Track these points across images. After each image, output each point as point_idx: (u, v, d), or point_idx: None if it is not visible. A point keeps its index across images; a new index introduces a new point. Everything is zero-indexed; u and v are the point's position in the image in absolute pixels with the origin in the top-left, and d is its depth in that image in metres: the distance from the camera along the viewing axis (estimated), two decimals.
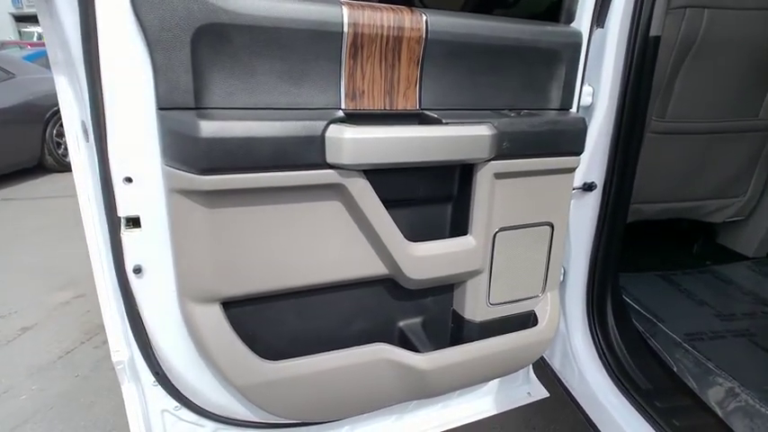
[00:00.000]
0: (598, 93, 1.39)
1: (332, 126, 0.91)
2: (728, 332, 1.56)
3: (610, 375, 1.53)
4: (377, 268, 1.10)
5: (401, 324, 1.26)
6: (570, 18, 1.24)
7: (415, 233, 1.16)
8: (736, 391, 1.33)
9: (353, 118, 1.02)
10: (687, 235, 2.26)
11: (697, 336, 1.54)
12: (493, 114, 1.13)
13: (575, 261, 1.59)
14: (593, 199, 1.51)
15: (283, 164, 0.89)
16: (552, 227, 1.30)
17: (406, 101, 1.06)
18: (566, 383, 1.67)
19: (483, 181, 1.11)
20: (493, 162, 1.10)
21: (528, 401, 1.67)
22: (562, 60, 1.18)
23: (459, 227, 1.19)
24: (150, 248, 0.94)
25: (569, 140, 1.21)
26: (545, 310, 1.40)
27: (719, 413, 1.32)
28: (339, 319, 1.17)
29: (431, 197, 1.16)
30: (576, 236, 1.56)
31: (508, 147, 1.11)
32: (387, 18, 0.97)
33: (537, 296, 1.36)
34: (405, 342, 1.25)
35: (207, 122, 0.81)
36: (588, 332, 1.61)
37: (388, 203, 1.09)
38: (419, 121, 1.09)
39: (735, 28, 1.64)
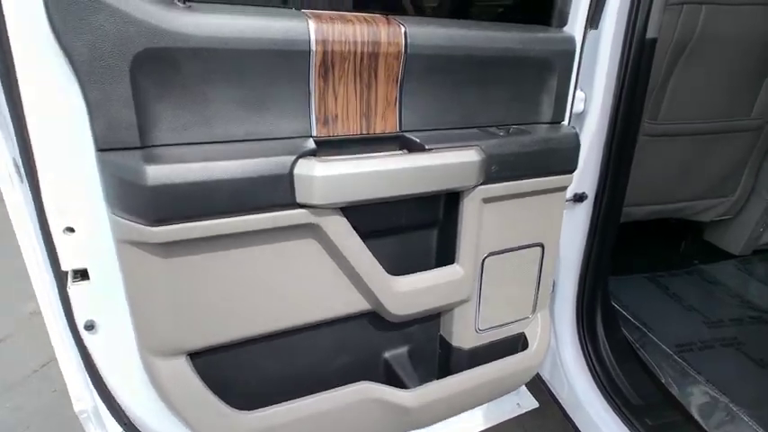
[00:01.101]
0: (591, 98, 1.31)
1: (301, 161, 0.81)
2: (717, 341, 1.53)
3: (600, 389, 1.50)
4: (358, 305, 1.02)
5: (386, 355, 1.19)
6: (563, 21, 1.14)
7: (399, 263, 1.08)
8: (727, 408, 1.30)
9: (327, 146, 0.92)
10: (674, 233, 2.22)
11: (686, 347, 1.51)
12: (480, 134, 1.03)
13: (564, 272, 1.53)
14: (584, 210, 1.45)
15: (247, 207, 0.79)
16: (543, 247, 1.23)
17: (385, 123, 0.96)
18: (555, 393, 1.63)
19: (470, 207, 1.03)
20: (481, 187, 1.01)
21: (518, 413, 1.63)
22: (554, 70, 1.09)
23: (446, 254, 1.11)
24: (103, 302, 0.84)
25: (562, 159, 1.13)
26: (535, 331, 1.34)
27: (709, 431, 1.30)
28: (320, 357, 1.09)
29: (415, 225, 1.07)
30: (565, 247, 1.50)
31: (497, 170, 1.02)
32: (360, 32, 0.86)
33: (527, 318, 1.30)
34: (391, 375, 1.18)
35: (154, 167, 0.70)
36: (578, 343, 1.57)
37: (368, 234, 1.00)
38: (400, 144, 0.99)
39: (732, 24, 1.56)
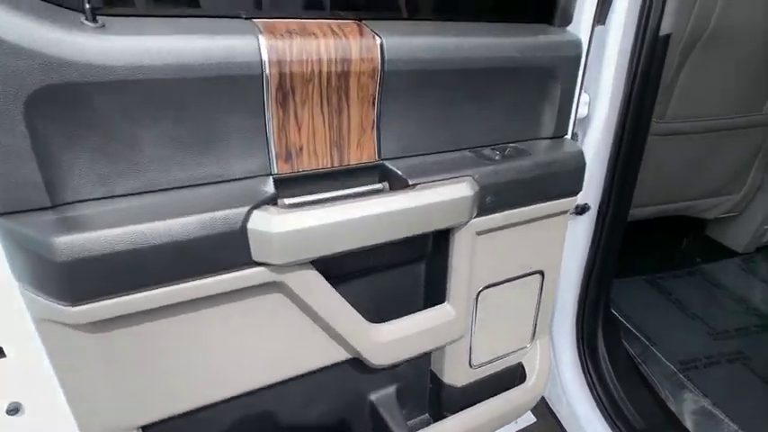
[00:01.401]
0: (596, 102, 1.16)
1: (255, 214, 0.67)
2: (723, 356, 1.45)
3: (600, 409, 1.41)
4: (335, 357, 0.90)
5: (372, 397, 1.08)
6: (567, 20, 0.99)
7: (382, 304, 0.95)
8: None
9: (291, 184, 0.78)
10: (675, 229, 2.12)
11: (691, 364, 1.43)
12: (472, 158, 0.89)
13: (564, 286, 1.42)
14: (587, 222, 1.32)
15: (191, 273, 0.65)
16: (543, 274, 1.12)
17: (362, 152, 0.81)
18: (553, 408, 1.55)
19: (461, 241, 0.90)
20: (474, 220, 0.88)
21: (514, 430, 1.55)
22: (557, 78, 0.95)
23: (435, 292, 0.98)
24: (27, 381, 0.71)
25: (566, 181, 1.00)
26: (534, 360, 1.24)
27: None
28: (296, 409, 0.98)
29: (399, 262, 0.94)
30: (565, 260, 1.38)
31: (493, 201, 0.89)
32: (326, 48, 0.71)
33: (525, 348, 1.20)
34: (377, 420, 1.08)
35: (66, 238, 0.56)
36: (577, 359, 1.47)
37: (344, 278, 0.87)
38: (380, 175, 0.85)
39: (747, 14, 1.41)
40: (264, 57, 0.67)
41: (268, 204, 0.70)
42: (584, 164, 1.00)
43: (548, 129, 1.01)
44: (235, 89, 0.67)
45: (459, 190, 0.81)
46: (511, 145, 0.97)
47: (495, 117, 0.92)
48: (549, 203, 0.98)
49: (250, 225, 0.66)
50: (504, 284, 1.05)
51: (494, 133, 0.94)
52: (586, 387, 1.44)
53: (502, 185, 0.88)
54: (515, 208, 0.93)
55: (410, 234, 0.78)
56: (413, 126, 0.84)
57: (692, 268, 1.92)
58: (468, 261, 0.94)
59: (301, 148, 0.76)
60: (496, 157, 0.90)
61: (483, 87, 0.88)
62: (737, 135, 1.64)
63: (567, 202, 1.02)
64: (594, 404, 1.42)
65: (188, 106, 0.65)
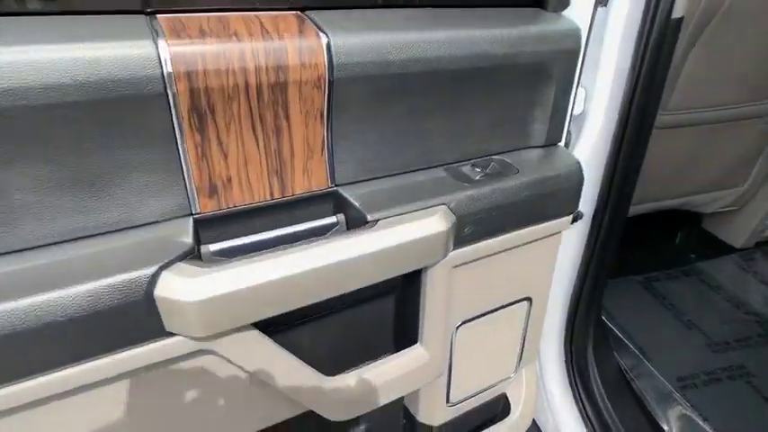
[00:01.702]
0: (592, 97, 1.00)
1: (165, 276, 0.52)
2: (723, 371, 1.35)
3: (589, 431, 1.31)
4: (287, 413, 0.76)
5: None
6: (564, 2, 0.82)
7: (344, 348, 0.81)
8: None
9: (218, 224, 0.62)
10: (669, 223, 2.00)
11: (689, 380, 1.33)
12: (448, 180, 0.74)
13: (553, 301, 1.30)
14: (580, 231, 1.18)
15: (86, 354, 0.50)
16: (531, 300, 0.98)
17: (309, 179, 0.66)
18: (540, 426, 1.45)
19: (435, 276, 0.76)
20: (450, 254, 0.74)
21: None
22: (551, 76, 0.79)
23: (406, 332, 0.84)
24: None
25: (560, 201, 0.85)
26: (519, 390, 1.12)
27: None
28: None
29: (361, 299, 0.80)
30: (555, 272, 1.26)
31: (473, 231, 0.74)
32: (253, 53, 0.54)
33: (509, 378, 1.08)
34: None
35: None
36: (565, 374, 1.37)
37: (296, 323, 0.73)
38: (334, 206, 0.70)
39: None
40: (167, 68, 0.50)
41: (184, 259, 0.54)
42: (582, 179, 0.86)
43: (538, 136, 0.85)
44: (130, 114, 0.50)
45: (431, 224, 0.66)
46: (495, 158, 0.82)
47: (476, 126, 0.77)
48: (539, 226, 0.84)
49: (158, 292, 0.51)
50: (487, 316, 0.92)
51: (474, 145, 0.79)
52: (575, 408, 1.34)
53: (484, 213, 0.73)
54: (499, 235, 0.79)
55: (370, 283, 0.64)
56: (374, 143, 0.68)
57: (686, 267, 1.81)
58: (444, 297, 0.80)
59: (230, 180, 0.60)
60: (477, 177, 0.75)
61: (460, 91, 0.71)
62: (745, 125, 1.50)
63: (561, 223, 0.88)
64: (583, 424, 1.32)
65: (67, 139, 0.48)
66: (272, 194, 0.63)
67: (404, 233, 0.63)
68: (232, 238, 0.63)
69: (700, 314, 1.56)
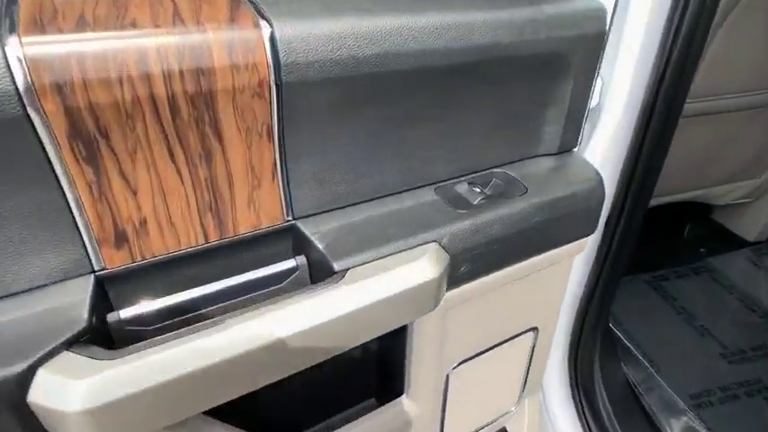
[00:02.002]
0: (609, 88, 0.85)
1: (41, 375, 0.37)
2: (741, 387, 1.24)
3: None
4: None
5: None
6: None
7: (317, 401, 0.68)
8: None
9: (132, 281, 0.47)
10: (678, 214, 1.87)
11: (704, 398, 1.21)
12: (439, 205, 0.58)
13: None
14: (589, 245, 1.05)
15: None
16: (537, 330, 0.85)
17: (257, 213, 0.50)
18: None
19: (425, 322, 0.62)
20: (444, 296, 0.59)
21: None
22: (568, 69, 0.63)
23: (390, 382, 0.71)
24: None
25: (578, 224, 0.70)
26: (521, 422, 1.00)
27: None
28: None
29: None
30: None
31: (471, 270, 0.60)
32: (158, 52, 0.38)
33: (510, 411, 0.95)
34: None
35: None
36: (569, 391, 1.25)
37: None
38: (293, 246, 0.55)
39: None
40: (24, 78, 0.34)
41: (74, 343, 0.39)
42: (603, 194, 0.71)
43: (550, 142, 0.70)
44: None
45: (418, 272, 0.51)
46: (497, 172, 0.67)
47: (474, 134, 0.61)
48: (551, 253, 0.70)
49: (33, 397, 0.37)
50: (486, 353, 0.79)
51: (471, 157, 0.63)
52: (580, 428, 1.23)
53: (484, 247, 0.58)
54: (503, 269, 0.64)
55: (335, 354, 0.49)
56: (342, 162, 0.53)
57: (696, 264, 1.69)
58: (435, 341, 0.66)
59: (144, 223, 0.44)
60: (476, 200, 0.60)
61: (454, 92, 0.56)
62: (764, 113, 1.35)
63: (577, 246, 0.74)
64: None
65: None
66: (206, 237, 0.48)
67: (381, 287, 0.48)
68: (153, 298, 0.48)
69: (712, 318, 1.45)
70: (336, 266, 0.49)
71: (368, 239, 0.52)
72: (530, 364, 0.89)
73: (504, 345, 0.81)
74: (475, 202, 0.59)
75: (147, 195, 0.43)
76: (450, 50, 0.51)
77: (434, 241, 0.54)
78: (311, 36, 0.44)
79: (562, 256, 0.72)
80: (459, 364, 0.75)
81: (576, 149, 0.75)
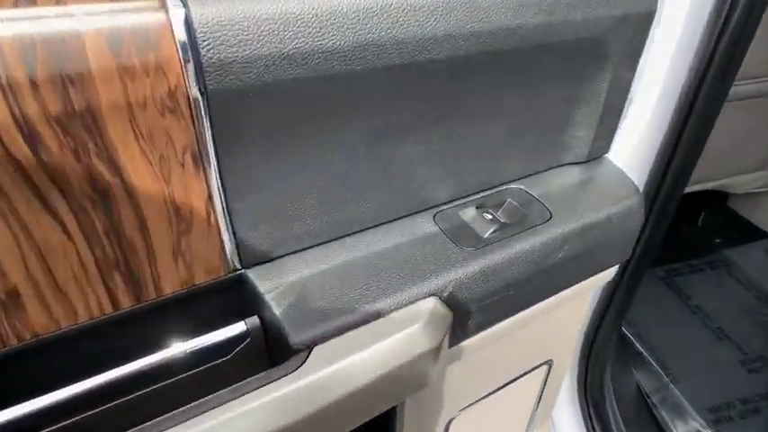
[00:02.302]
0: (641, 78, 0.70)
1: None
2: (763, 399, 1.14)
3: None
4: None
5: None
6: None
7: None
8: None
9: (13, 368, 0.34)
10: (692, 202, 1.74)
11: (723, 412, 1.12)
12: (435, 240, 0.45)
13: None
14: None
15: None
16: (551, 363, 0.73)
17: (189, 265, 0.36)
18: None
19: None
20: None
21: None
22: (607, 57, 0.48)
23: None
24: None
25: (609, 252, 0.57)
26: None
27: None
28: None
29: None
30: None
31: (480, 321, 0.47)
32: None
33: None
34: None
35: None
36: (577, 403, 1.16)
37: None
38: (243, 304, 0.41)
39: None
40: None
41: None
42: (642, 214, 0.58)
43: (579, 148, 0.56)
44: None
45: (409, 344, 0.38)
46: (513, 188, 0.53)
47: (484, 142, 0.47)
48: (576, 286, 0.57)
49: None
50: (493, 395, 0.67)
51: (481, 172, 0.49)
52: None
53: (497, 293, 0.45)
54: (518, 314, 0.52)
55: None
56: (306, 191, 0.39)
57: (712, 257, 1.57)
58: (434, 392, 0.54)
59: (14, 295, 0.31)
60: (487, 232, 0.46)
61: (460, 91, 0.42)
62: None
63: (605, 274, 0.61)
64: None
65: None
66: (114, 304, 0.35)
67: (358, 372, 0.36)
68: (44, 391, 0.35)
69: (730, 320, 1.34)
70: (297, 341, 0.36)
71: (341, 297, 0.39)
72: (540, 397, 0.79)
73: (513, 384, 0.69)
74: (486, 235, 0.46)
75: (12, 258, 0.30)
76: (456, 37, 0.37)
77: (432, 295, 0.41)
78: (249, 20, 0.29)
79: (587, 287, 0.59)
80: (462, 410, 0.63)
81: (608, 155, 0.61)
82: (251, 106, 0.32)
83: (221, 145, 0.33)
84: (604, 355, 1.11)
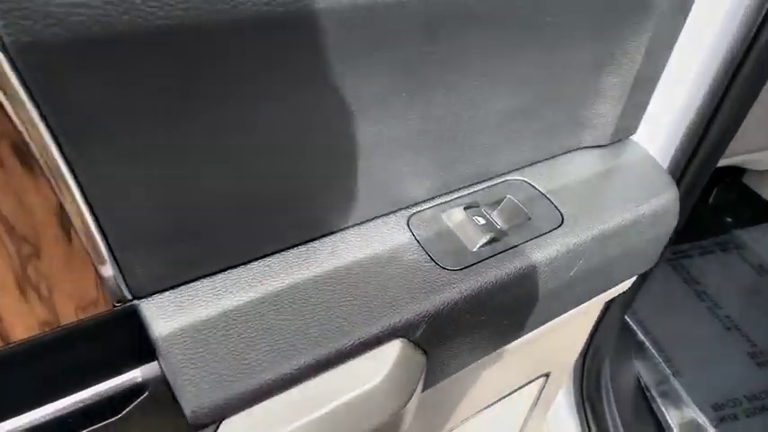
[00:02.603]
0: (679, 42, 0.56)
1: None
2: None
3: None
4: None
5: None
6: None
7: None
8: None
9: None
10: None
11: (729, 409, 1.04)
12: (408, 254, 0.34)
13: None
14: None
15: None
16: (549, 375, 0.64)
17: (50, 300, 0.25)
18: None
19: None
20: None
21: None
22: (650, 9, 0.36)
23: None
24: None
25: (633, 262, 0.46)
26: None
27: None
28: None
29: None
30: None
31: (461, 360, 0.37)
32: None
33: None
34: None
35: None
36: (572, 393, 1.09)
37: None
38: (137, 346, 0.31)
39: None
40: None
41: None
42: (677, 218, 0.46)
43: (601, 128, 0.43)
44: None
45: (361, 412, 0.28)
46: (514, 181, 0.41)
47: (481, 123, 0.35)
48: (588, 303, 0.46)
49: None
50: (483, 412, 0.58)
51: (473, 160, 0.38)
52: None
53: (487, 325, 0.35)
54: (514, 341, 0.41)
55: None
56: (212, 187, 0.28)
57: (723, 238, 1.47)
58: (416, 416, 0.45)
59: None
60: (477, 244, 0.35)
61: (453, 51, 0.29)
62: None
63: (623, 285, 0.50)
64: None
65: None
66: None
67: None
68: None
69: (740, 308, 1.26)
70: (198, 411, 0.25)
71: (267, 343, 0.28)
72: (534, 410, 0.70)
73: (506, 399, 0.60)
74: (476, 248, 0.35)
75: None
76: None
77: (399, 335, 0.30)
78: None
79: (600, 300, 0.49)
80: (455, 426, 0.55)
81: (634, 137, 0.49)
82: (101, 69, 0.20)
83: (67, 132, 0.21)
84: (604, 351, 1.03)
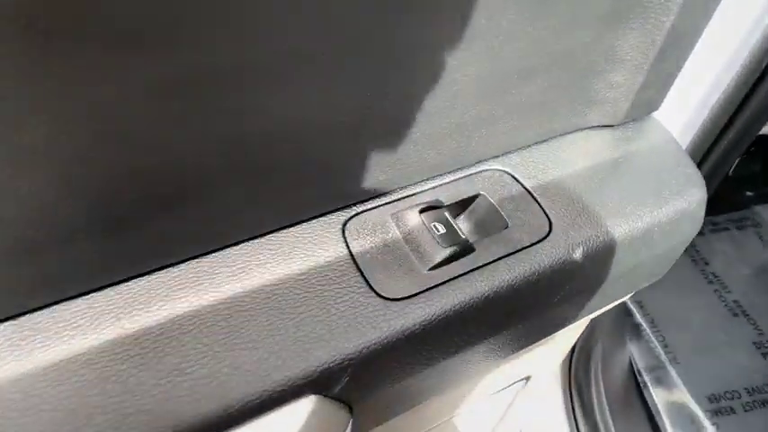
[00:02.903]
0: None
1: None
2: None
3: None
4: None
5: None
6: None
7: None
8: None
9: None
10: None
11: (726, 402, 0.98)
12: (341, 272, 0.26)
13: None
14: None
15: None
16: (528, 379, 0.57)
17: None
18: None
19: None
20: None
21: None
22: None
23: None
24: None
25: (640, 274, 0.38)
26: None
27: None
28: None
29: None
30: None
31: (405, 404, 0.29)
32: None
33: None
34: None
35: None
36: (558, 378, 1.03)
37: None
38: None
39: None
40: None
41: None
42: (702, 219, 0.37)
43: (614, 103, 0.33)
44: None
45: None
46: (489, 171, 0.32)
47: (457, 93, 0.26)
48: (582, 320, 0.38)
49: None
50: (457, 415, 0.52)
51: (441, 145, 0.29)
52: (566, 425, 1.03)
53: (439, 367, 0.27)
54: (475, 377, 0.34)
55: None
56: (60, 173, 0.19)
57: (739, 215, 1.37)
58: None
59: None
60: (433, 260, 0.27)
61: (426, 4, 0.19)
62: None
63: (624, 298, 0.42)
64: None
65: None
66: None
67: None
68: None
69: (751, 293, 1.17)
70: None
71: (132, 397, 0.20)
72: (509, 410, 0.64)
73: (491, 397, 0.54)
74: (427, 270, 0.26)
75: None
76: None
77: (317, 389, 0.22)
78: None
79: (593, 314, 0.41)
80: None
81: (655, 114, 0.39)
82: None
83: None
84: (597, 331, 0.97)
